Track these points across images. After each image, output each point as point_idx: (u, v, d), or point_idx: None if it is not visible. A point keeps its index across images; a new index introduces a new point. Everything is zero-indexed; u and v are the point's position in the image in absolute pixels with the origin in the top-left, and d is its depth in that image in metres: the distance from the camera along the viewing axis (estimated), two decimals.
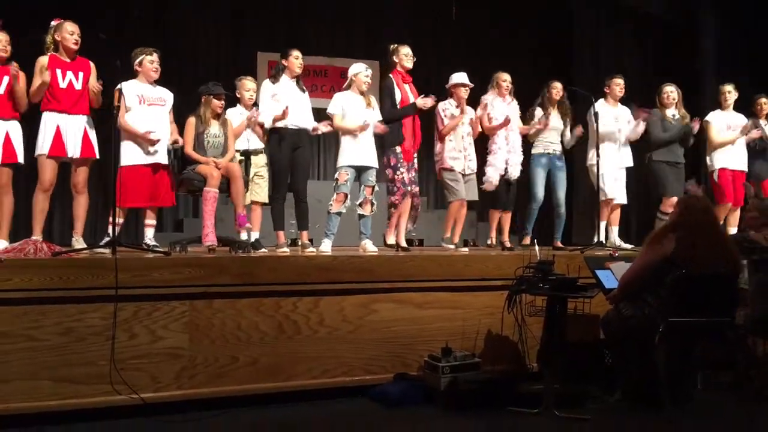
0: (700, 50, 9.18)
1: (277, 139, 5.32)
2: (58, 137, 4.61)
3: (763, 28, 8.85)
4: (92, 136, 4.78)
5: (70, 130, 4.65)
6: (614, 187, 6.17)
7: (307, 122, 5.43)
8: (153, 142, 4.87)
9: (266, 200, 5.46)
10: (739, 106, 6.68)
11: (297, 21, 9.91)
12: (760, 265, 4.25)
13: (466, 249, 5.91)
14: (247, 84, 5.42)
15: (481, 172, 5.95)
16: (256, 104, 5.42)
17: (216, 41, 9.62)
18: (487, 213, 6.30)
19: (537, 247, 4.44)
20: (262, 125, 5.35)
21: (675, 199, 6.06)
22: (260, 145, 5.45)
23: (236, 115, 5.35)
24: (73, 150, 4.67)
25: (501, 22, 10.38)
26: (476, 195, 5.88)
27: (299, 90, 5.44)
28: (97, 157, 4.85)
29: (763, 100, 6.68)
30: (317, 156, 9.94)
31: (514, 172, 5.99)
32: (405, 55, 5.58)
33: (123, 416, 3.68)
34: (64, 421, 3.59)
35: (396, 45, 5.67)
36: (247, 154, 5.31)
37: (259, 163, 5.44)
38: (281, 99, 5.26)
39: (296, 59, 5.40)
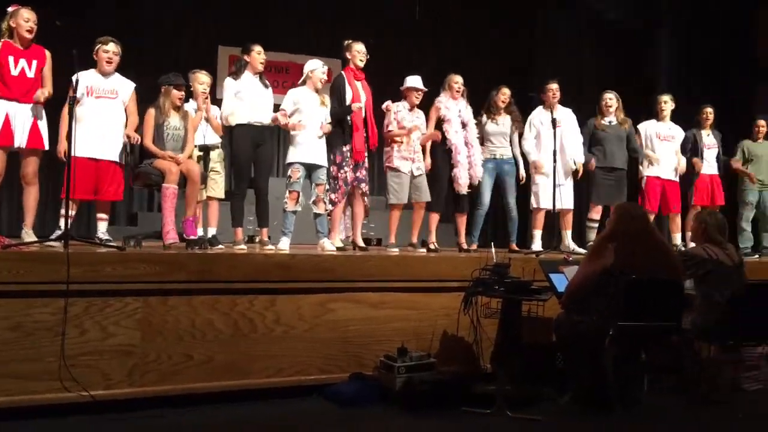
0: (657, 58, 9.42)
1: (239, 135, 5.27)
2: (6, 126, 4.47)
3: (719, 40, 9.12)
4: (42, 126, 4.64)
5: (19, 119, 4.52)
6: (551, 194, 6.04)
7: (270, 120, 5.39)
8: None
9: (222, 196, 5.41)
10: (685, 116, 6.87)
11: (278, 17, 9.89)
12: (703, 277, 4.38)
13: (424, 250, 5.94)
14: (201, 77, 5.32)
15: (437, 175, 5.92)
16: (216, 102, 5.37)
17: (177, 34, 9.46)
18: (444, 214, 6.29)
19: (494, 250, 4.49)
20: (220, 119, 5.31)
21: (600, 208, 6.29)
22: (217, 140, 5.40)
23: (189, 110, 5.27)
24: (20, 140, 4.53)
25: (501, 22, 10.44)
26: (428, 196, 5.80)
27: (262, 86, 5.39)
28: (46, 148, 4.69)
29: (709, 110, 6.89)
30: (277, 153, 9.86)
31: (478, 173, 5.97)
32: (357, 52, 5.53)
33: (72, 414, 3.60)
34: (12, 418, 3.50)
35: (350, 41, 5.60)
36: (205, 149, 5.25)
37: (215, 158, 5.39)
38: (244, 96, 5.22)
39: (258, 54, 5.35)
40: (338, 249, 5.27)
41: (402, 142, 5.62)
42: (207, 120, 5.28)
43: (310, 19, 10.14)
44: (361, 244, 5.56)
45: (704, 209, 6.05)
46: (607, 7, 9.58)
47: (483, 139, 6.19)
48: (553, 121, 5.95)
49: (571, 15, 10.00)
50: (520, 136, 6.32)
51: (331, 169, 5.42)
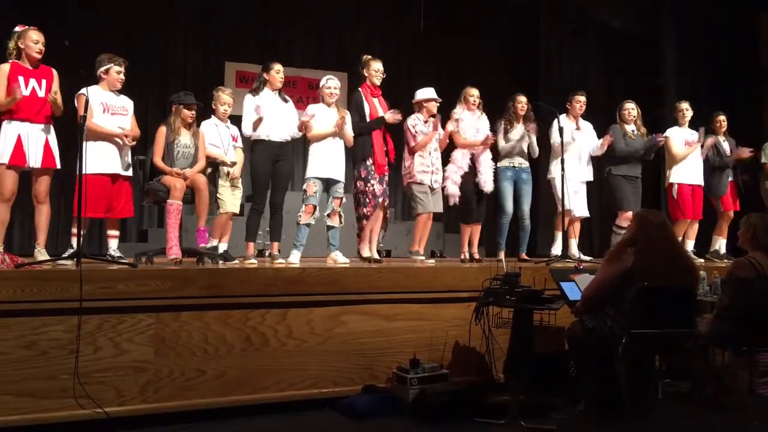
0: (662, 65, 9.41)
1: (258, 150, 5.31)
2: (19, 146, 4.48)
3: (723, 44, 9.11)
4: (53, 145, 4.66)
5: (31, 139, 4.54)
6: (574, 200, 6.24)
7: (292, 133, 5.42)
8: (125, 143, 4.79)
9: (238, 210, 5.46)
10: (695, 123, 6.87)
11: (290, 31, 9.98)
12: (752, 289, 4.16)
13: (433, 260, 5.94)
14: (224, 97, 5.40)
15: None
16: (231, 118, 5.42)
17: (185, 51, 9.53)
18: (455, 224, 6.32)
19: (504, 260, 4.49)
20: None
21: (630, 213, 6.21)
22: (232, 158, 5.44)
23: (211, 127, 5.33)
24: (34, 159, 4.55)
25: (506, 30, 10.48)
26: (441, 207, 5.89)
27: (282, 101, 5.46)
28: (58, 166, 4.72)
29: (722, 117, 6.88)
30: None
31: (488, 186, 6.00)
32: (375, 71, 5.58)
33: (87, 431, 3.61)
34: None
35: (369, 57, 5.65)
36: (215, 166, 5.28)
37: (236, 173, 5.42)
38: (265, 112, 5.25)
39: (278, 73, 5.43)
40: (374, 260, 5.32)
41: (427, 144, 5.68)
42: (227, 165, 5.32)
43: (316, 33, 10.20)
44: (376, 256, 5.57)
45: (752, 213, 5.95)
46: (611, 14, 9.60)
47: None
48: (561, 130, 5.98)
49: (576, 23, 10.01)
50: (537, 142, 6.31)
51: (358, 184, 5.45)
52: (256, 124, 5.23)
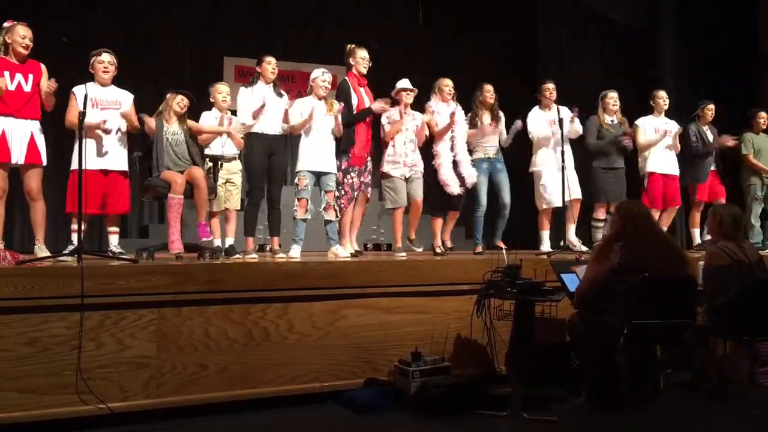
0: (660, 57, 9.38)
1: (253, 144, 5.30)
2: (2, 142, 4.46)
3: (722, 36, 9.09)
4: (39, 141, 4.62)
5: (15, 135, 4.51)
6: (557, 190, 6.05)
7: (285, 127, 5.38)
8: (107, 131, 4.76)
9: (238, 207, 5.45)
10: (690, 112, 6.87)
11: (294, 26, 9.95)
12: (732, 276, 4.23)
13: (420, 248, 5.88)
14: (220, 87, 5.42)
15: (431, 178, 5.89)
16: (231, 112, 5.41)
17: (183, 46, 9.51)
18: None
19: (504, 252, 4.48)
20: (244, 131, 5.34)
21: (605, 208, 6.26)
22: (234, 151, 5.43)
23: (211, 119, 5.33)
24: (18, 156, 4.52)
25: (503, 24, 10.43)
26: (421, 193, 5.76)
27: (276, 95, 5.42)
28: (44, 163, 4.67)
29: (711, 106, 6.86)
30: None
31: (470, 179, 5.89)
32: (361, 59, 5.54)
33: (90, 427, 3.62)
34: None
35: (353, 46, 5.61)
36: (215, 160, 5.27)
37: (232, 169, 5.42)
38: (258, 106, 5.23)
39: (269, 65, 5.40)
40: (352, 255, 5.27)
41: (395, 133, 5.62)
42: (229, 135, 5.30)
43: (315, 27, 10.16)
44: (356, 248, 5.54)
45: (717, 203, 5.98)
46: (610, 5, 9.56)
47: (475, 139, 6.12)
48: (560, 121, 5.94)
49: (575, 14, 9.97)
50: (506, 130, 6.24)
51: (338, 176, 5.43)
52: (257, 111, 5.18)
